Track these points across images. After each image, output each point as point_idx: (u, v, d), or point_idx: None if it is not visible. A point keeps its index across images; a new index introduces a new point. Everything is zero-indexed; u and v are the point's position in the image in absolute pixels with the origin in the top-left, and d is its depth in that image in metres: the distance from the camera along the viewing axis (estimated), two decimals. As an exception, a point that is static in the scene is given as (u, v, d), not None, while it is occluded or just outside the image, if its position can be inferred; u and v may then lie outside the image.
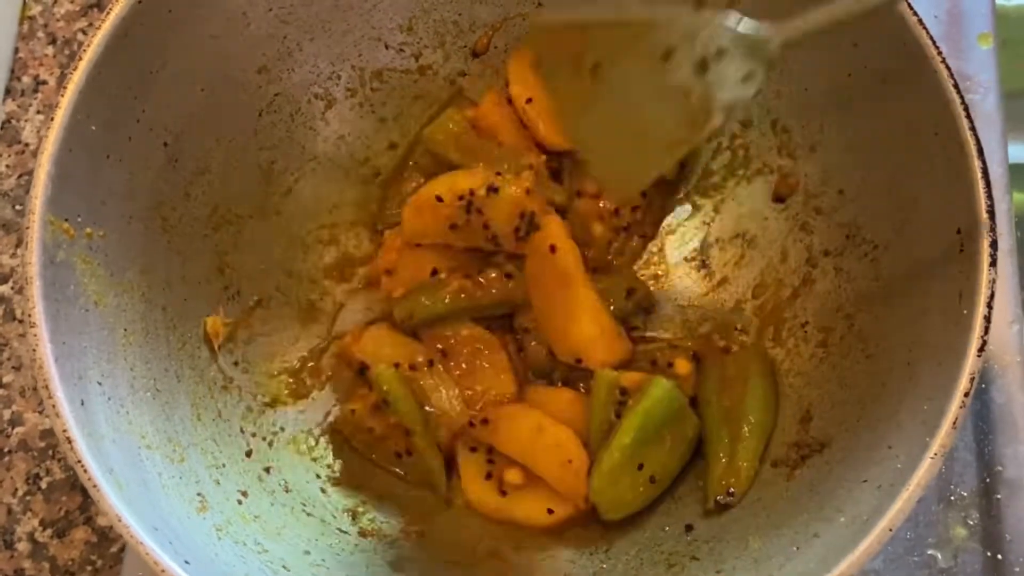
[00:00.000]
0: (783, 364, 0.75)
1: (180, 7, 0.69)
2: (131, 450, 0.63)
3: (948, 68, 0.64)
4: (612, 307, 0.77)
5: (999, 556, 0.75)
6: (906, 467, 0.58)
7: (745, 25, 0.61)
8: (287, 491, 0.72)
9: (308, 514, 0.72)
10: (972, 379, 0.58)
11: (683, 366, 0.75)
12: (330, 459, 0.76)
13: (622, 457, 0.70)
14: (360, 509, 0.74)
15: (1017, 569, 0.74)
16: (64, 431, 0.59)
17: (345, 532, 0.72)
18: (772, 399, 0.73)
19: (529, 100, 0.79)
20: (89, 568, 0.77)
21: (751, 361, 0.75)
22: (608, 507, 0.71)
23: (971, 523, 0.76)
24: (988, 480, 0.77)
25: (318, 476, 0.75)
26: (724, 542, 0.67)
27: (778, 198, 0.77)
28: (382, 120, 0.83)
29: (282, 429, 0.76)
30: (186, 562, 0.58)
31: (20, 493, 0.80)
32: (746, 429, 0.72)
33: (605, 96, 0.64)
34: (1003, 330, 0.79)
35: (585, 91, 0.64)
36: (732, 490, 0.70)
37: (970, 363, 0.58)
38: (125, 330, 0.67)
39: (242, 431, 0.73)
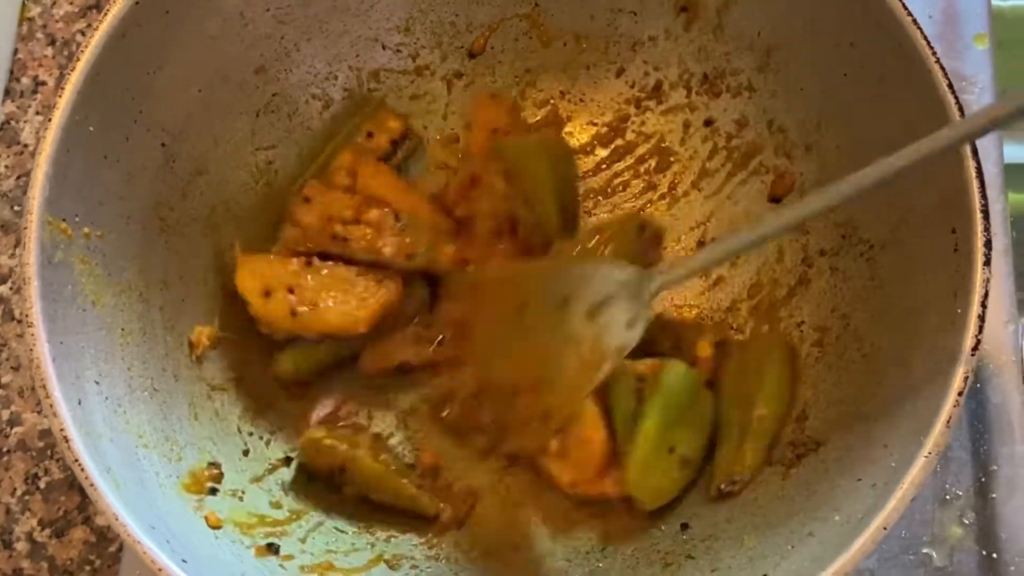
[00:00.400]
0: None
1: (177, 8, 0.69)
2: (128, 449, 0.63)
3: (942, 68, 0.64)
4: (625, 247, 0.76)
5: (994, 555, 0.75)
6: (900, 466, 0.58)
7: (628, 271, 0.67)
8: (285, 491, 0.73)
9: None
10: (966, 378, 0.58)
11: (704, 348, 0.75)
12: None
13: (652, 444, 0.70)
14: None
15: (1012, 568, 0.74)
16: (61, 430, 0.59)
17: (343, 531, 0.72)
18: (787, 390, 0.73)
19: None
20: (88, 568, 0.78)
21: (772, 349, 0.74)
22: (648, 496, 0.71)
23: (966, 522, 0.76)
24: (983, 479, 0.77)
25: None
26: (720, 541, 0.67)
27: (774, 198, 0.78)
28: (380, 123, 0.83)
29: (280, 428, 0.76)
30: (183, 560, 0.58)
31: (19, 493, 0.80)
32: (756, 418, 0.71)
33: (524, 336, 0.69)
34: (998, 330, 0.80)
35: (510, 328, 0.70)
36: (736, 478, 0.70)
37: (964, 362, 0.58)
38: (123, 330, 0.68)
39: (239, 431, 0.74)
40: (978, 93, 0.86)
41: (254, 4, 0.74)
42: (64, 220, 0.64)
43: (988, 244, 0.60)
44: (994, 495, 0.76)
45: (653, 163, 0.83)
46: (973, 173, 0.61)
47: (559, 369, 0.67)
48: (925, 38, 0.64)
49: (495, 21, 0.82)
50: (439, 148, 0.84)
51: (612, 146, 0.83)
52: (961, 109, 0.63)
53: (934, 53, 0.64)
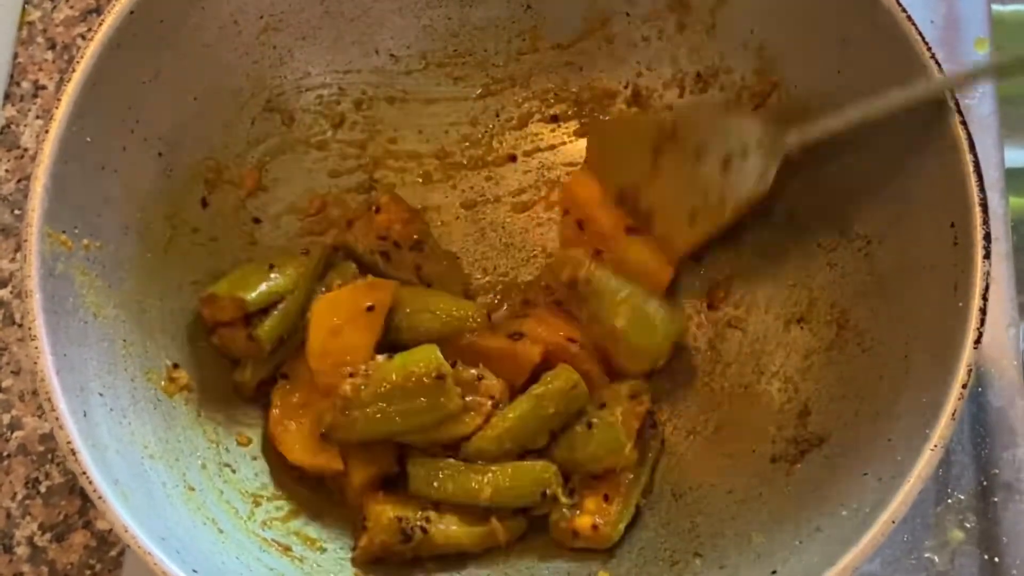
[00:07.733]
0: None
1: (172, 17, 0.70)
2: (134, 460, 0.63)
3: (938, 64, 0.64)
4: None
5: (996, 559, 0.75)
6: (906, 459, 0.58)
7: (764, 126, 0.70)
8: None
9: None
10: (969, 371, 0.59)
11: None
12: None
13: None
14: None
15: (1014, 572, 0.75)
16: (68, 443, 0.58)
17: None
18: None
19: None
20: (88, 572, 0.77)
21: None
22: None
23: (968, 526, 0.76)
24: (985, 483, 0.77)
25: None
26: (726, 538, 0.67)
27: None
28: (375, 127, 0.83)
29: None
30: (194, 571, 0.58)
31: (19, 497, 0.79)
32: None
33: (662, 176, 0.75)
34: (1000, 333, 0.80)
35: (647, 169, 0.76)
36: None
37: (967, 354, 0.59)
38: (124, 340, 0.67)
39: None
40: (979, 97, 0.86)
41: (247, 11, 0.74)
42: (64, 232, 0.64)
43: (988, 237, 0.61)
44: (995, 499, 0.76)
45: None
46: (971, 167, 0.62)
47: (684, 210, 0.74)
48: (920, 34, 0.65)
49: (488, 23, 0.82)
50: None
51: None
52: (958, 104, 0.63)
53: (929, 49, 0.65)
